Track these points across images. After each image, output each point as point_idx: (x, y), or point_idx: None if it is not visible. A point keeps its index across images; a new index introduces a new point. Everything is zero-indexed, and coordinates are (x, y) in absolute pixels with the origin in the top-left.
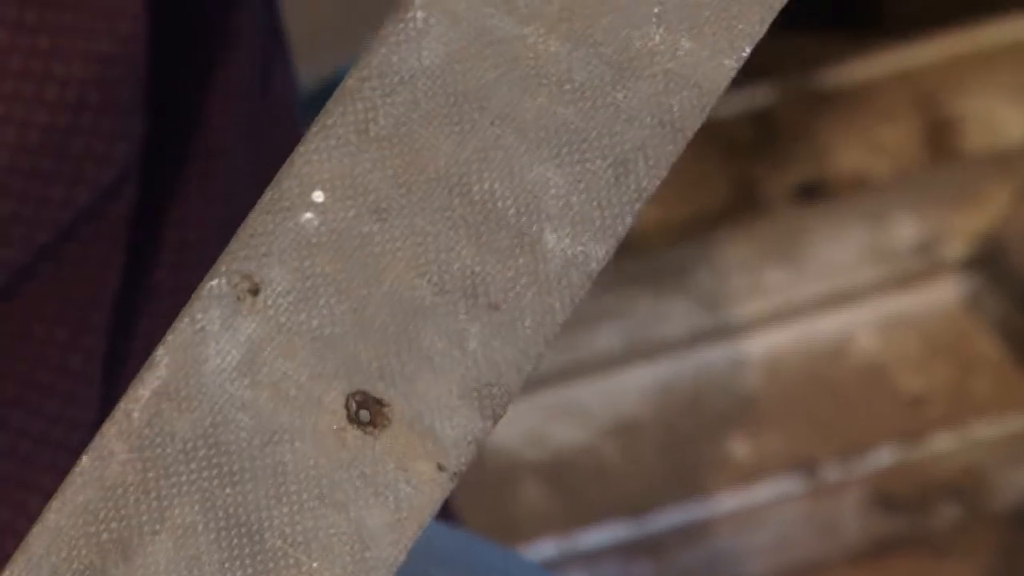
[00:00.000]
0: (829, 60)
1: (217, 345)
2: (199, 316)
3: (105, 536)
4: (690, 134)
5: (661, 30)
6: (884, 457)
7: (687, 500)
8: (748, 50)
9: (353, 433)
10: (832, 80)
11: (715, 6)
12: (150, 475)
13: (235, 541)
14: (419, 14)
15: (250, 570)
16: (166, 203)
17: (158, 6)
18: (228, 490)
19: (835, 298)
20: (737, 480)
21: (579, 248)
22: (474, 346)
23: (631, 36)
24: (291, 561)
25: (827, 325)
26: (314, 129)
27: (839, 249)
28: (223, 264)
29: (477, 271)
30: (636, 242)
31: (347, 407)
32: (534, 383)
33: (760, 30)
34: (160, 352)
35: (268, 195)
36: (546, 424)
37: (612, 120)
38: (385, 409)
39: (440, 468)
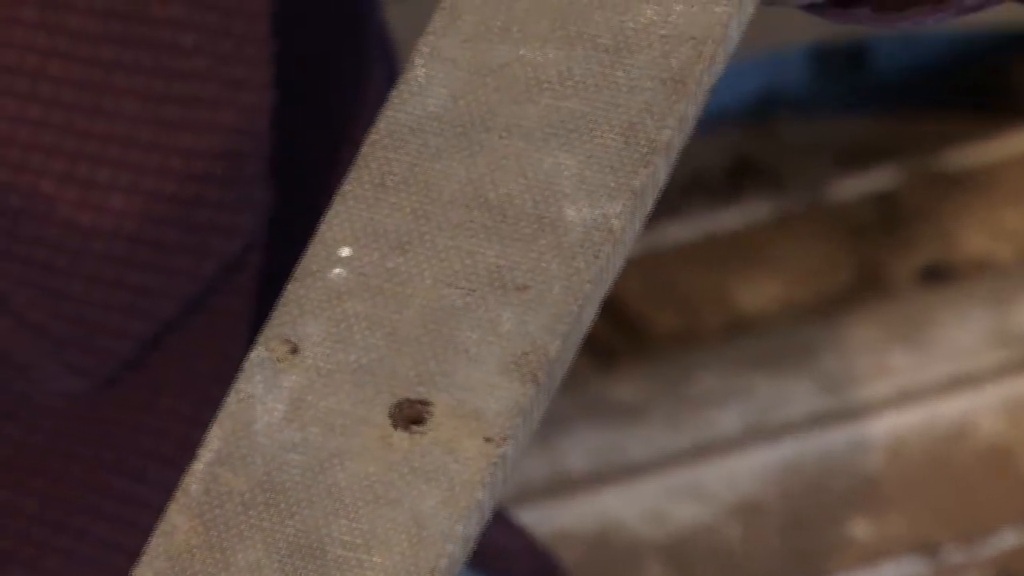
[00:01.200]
0: (953, 143)
1: (264, 406)
2: (243, 386)
3: None
4: (692, 83)
5: (652, 5)
6: (1007, 540)
7: None
8: None
9: (399, 436)
10: (956, 163)
11: None
12: (212, 533)
13: (299, 564)
14: (420, 72)
15: None
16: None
17: (286, 78)
18: (288, 522)
19: (959, 381)
20: (859, 562)
21: (598, 212)
22: (508, 327)
23: (623, 21)
24: (353, 563)
25: (950, 408)
26: (335, 199)
27: (963, 332)
28: (261, 336)
29: (502, 264)
30: (758, 323)
31: (391, 417)
32: (656, 463)
33: None
34: (211, 430)
35: (297, 265)
36: (668, 504)
37: (615, 96)
38: (428, 407)
39: (487, 439)
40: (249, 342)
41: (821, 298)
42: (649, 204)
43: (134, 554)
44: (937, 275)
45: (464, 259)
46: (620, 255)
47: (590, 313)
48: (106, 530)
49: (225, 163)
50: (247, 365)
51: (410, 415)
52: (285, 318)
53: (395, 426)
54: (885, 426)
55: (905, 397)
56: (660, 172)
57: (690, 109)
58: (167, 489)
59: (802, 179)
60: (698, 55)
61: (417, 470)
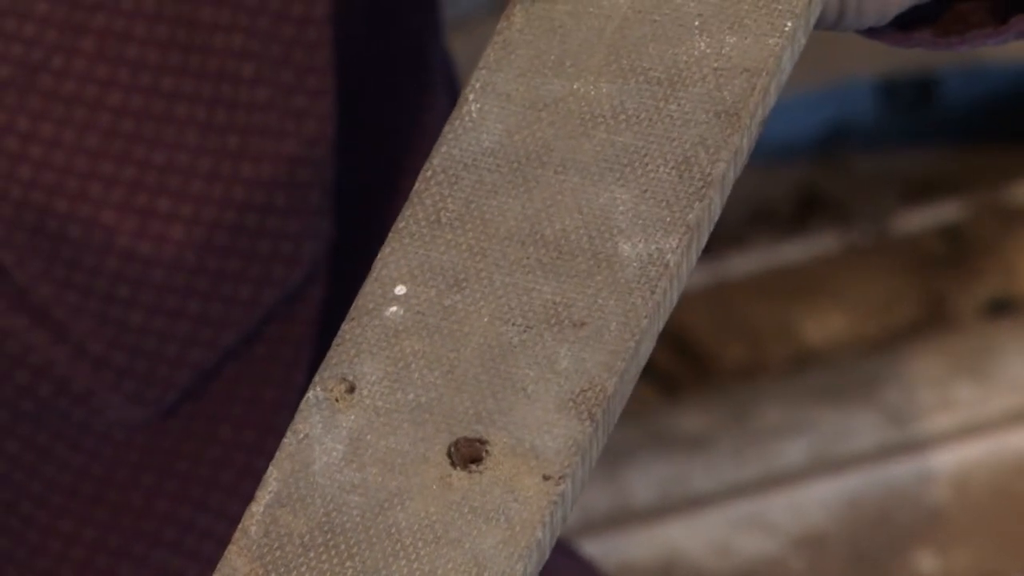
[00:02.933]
0: (1020, 176)
1: (322, 446)
2: (300, 427)
3: None
4: (746, 116)
5: (704, 37)
6: None
7: None
8: (790, 24)
9: (458, 475)
10: (1022, 196)
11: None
12: (272, 575)
13: None
14: (473, 107)
15: None
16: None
17: (349, 110)
18: (348, 564)
19: (1023, 414)
20: None
21: (653, 247)
22: (565, 364)
23: (676, 53)
24: None
25: (1017, 440)
26: (390, 235)
27: None
28: (317, 376)
29: (558, 300)
30: (824, 355)
31: (449, 455)
32: (721, 495)
33: (798, 4)
34: (269, 469)
35: (353, 304)
36: (733, 536)
37: (669, 129)
38: (486, 446)
39: (545, 478)
40: (311, 371)
41: (886, 331)
42: (704, 237)
43: None
44: (1002, 308)
45: (521, 296)
46: (676, 289)
47: (647, 348)
48: (167, 558)
49: (286, 193)
50: (304, 405)
51: (468, 454)
52: (342, 357)
53: (454, 465)
54: (950, 459)
55: (970, 430)
56: (715, 205)
57: (744, 142)
58: (229, 517)
59: (868, 212)
60: (752, 87)
61: (477, 509)
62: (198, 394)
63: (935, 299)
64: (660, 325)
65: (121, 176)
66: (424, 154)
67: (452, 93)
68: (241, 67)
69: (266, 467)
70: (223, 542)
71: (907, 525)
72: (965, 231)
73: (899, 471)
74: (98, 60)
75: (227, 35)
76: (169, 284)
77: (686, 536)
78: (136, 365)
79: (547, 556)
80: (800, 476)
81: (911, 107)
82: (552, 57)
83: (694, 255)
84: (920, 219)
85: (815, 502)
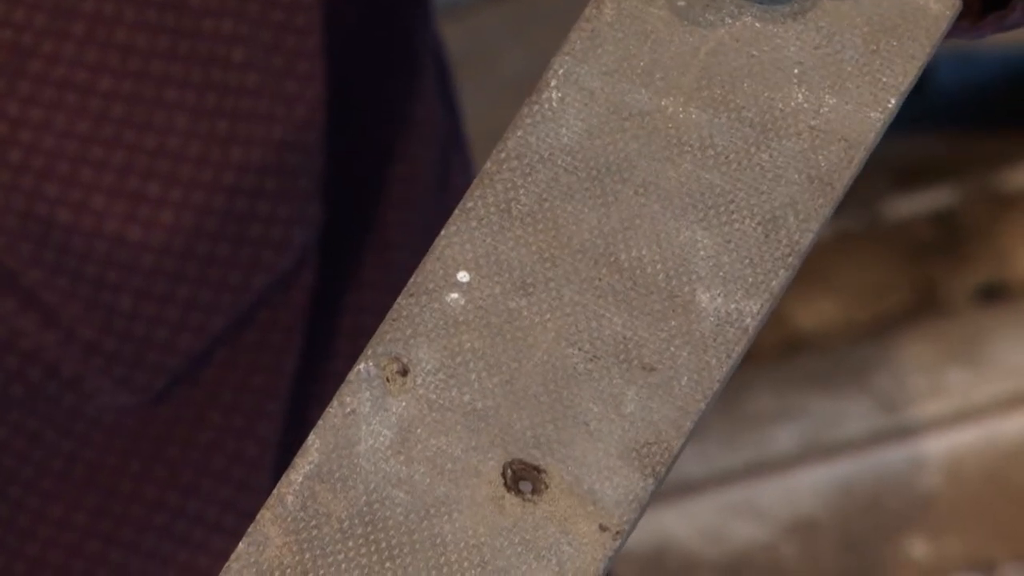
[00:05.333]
0: (1010, 162)
1: (368, 426)
2: (348, 399)
3: None
4: (840, 188)
5: (803, 89)
6: None
7: None
8: (894, 102)
9: (511, 500)
10: (1014, 182)
11: (857, 61)
12: (307, 556)
13: None
14: (554, 94)
15: None
16: (343, 290)
17: (339, 96)
18: (388, 564)
19: (1016, 399)
20: None
21: (732, 306)
22: (631, 408)
23: (772, 98)
24: None
25: (1008, 426)
26: (455, 214)
27: (1019, 351)
28: (370, 348)
29: (629, 336)
30: (816, 341)
31: (504, 476)
32: (713, 481)
33: (904, 81)
34: (311, 437)
35: (412, 279)
36: (725, 522)
37: (758, 180)
38: (543, 475)
39: (602, 528)
40: (301, 358)
41: (877, 317)
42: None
43: (186, 567)
44: (993, 294)
45: (590, 320)
46: (745, 351)
47: (711, 408)
48: (157, 543)
49: (276, 178)
50: (354, 377)
51: (523, 479)
52: (397, 335)
53: (507, 488)
54: (941, 445)
55: (961, 416)
56: (794, 273)
57: (830, 212)
58: (219, 503)
59: (860, 198)
60: (849, 160)
61: (528, 543)
62: (188, 380)
63: (926, 285)
64: (724, 386)
65: (111, 160)
66: (413, 140)
67: (442, 80)
68: (231, 52)
69: (256, 453)
70: (213, 527)
71: (898, 511)
72: (956, 217)
73: (890, 457)
74: (88, 45)
75: (216, 20)
76: (158, 269)
77: (678, 522)
78: (125, 350)
79: None
80: (791, 462)
81: None
82: (642, 64)
83: (767, 320)
84: (911, 205)
85: (806, 488)
